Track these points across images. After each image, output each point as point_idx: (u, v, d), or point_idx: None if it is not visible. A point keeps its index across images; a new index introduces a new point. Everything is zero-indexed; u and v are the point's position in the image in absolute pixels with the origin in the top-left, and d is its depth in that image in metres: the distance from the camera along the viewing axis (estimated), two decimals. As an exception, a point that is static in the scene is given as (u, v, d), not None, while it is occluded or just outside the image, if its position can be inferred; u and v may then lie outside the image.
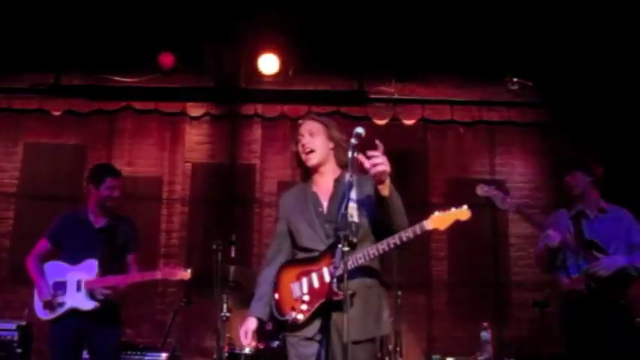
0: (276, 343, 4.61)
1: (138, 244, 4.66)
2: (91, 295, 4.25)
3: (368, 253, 2.76)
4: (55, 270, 4.36)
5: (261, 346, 4.73)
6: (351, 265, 2.67)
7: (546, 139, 7.04)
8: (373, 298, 2.91)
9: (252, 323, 3.07)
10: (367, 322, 2.85)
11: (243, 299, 4.90)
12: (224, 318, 4.54)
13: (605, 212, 4.22)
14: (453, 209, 2.75)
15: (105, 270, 4.32)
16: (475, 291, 6.66)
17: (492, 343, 5.62)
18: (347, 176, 2.69)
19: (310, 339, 2.88)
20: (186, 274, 4.30)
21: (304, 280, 2.90)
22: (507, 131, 7.06)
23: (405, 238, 2.70)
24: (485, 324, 5.75)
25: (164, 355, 5.20)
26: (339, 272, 2.66)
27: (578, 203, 4.28)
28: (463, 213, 2.75)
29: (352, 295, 2.71)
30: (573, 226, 4.20)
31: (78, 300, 4.24)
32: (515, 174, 7.00)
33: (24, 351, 5.21)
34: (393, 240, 2.72)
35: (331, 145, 3.07)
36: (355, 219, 2.58)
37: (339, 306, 2.66)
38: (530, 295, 6.39)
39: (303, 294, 2.88)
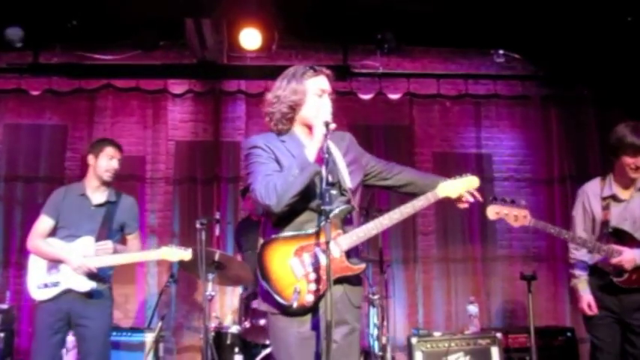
0: (262, 321, 4.58)
1: (138, 225, 4.52)
2: (88, 275, 4.05)
3: (381, 223, 2.61)
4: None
5: (248, 325, 4.72)
6: (363, 237, 2.59)
7: (533, 112, 7.01)
8: None
9: None
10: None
11: (229, 277, 4.87)
12: (209, 297, 4.48)
13: None
14: (463, 176, 2.81)
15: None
16: (462, 265, 6.67)
17: (479, 316, 5.63)
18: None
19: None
20: (186, 253, 4.12)
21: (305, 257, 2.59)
22: (494, 104, 7.02)
23: (418, 207, 2.69)
24: (472, 298, 5.78)
25: (150, 335, 5.16)
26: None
27: (612, 182, 3.88)
28: (473, 181, 2.82)
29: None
30: (602, 209, 3.85)
31: (73, 280, 4.04)
32: (502, 147, 6.98)
33: (7, 334, 5.14)
34: (407, 209, 2.65)
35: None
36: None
37: (347, 280, 2.61)
38: (517, 268, 6.43)
39: (309, 272, 2.55)
